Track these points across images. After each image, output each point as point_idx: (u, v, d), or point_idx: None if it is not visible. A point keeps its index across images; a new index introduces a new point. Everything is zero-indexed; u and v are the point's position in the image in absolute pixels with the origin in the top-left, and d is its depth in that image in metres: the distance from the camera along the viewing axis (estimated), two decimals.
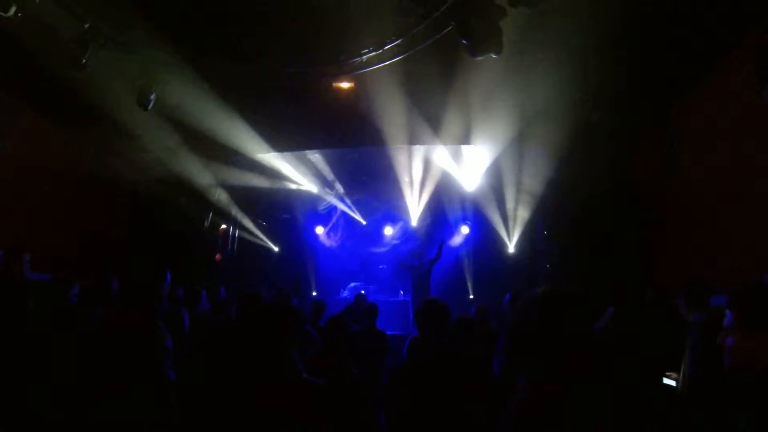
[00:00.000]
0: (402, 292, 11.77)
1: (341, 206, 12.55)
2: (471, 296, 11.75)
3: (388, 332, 6.13)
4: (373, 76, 6.60)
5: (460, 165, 11.00)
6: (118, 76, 6.42)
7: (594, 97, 6.49)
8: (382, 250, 12.74)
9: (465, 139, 9.36)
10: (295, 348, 2.29)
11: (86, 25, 5.45)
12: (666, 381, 3.57)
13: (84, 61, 5.41)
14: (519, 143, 8.93)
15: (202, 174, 9.98)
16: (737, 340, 1.70)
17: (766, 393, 1.61)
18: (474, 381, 2.72)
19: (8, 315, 3.49)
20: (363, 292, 9.94)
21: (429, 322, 2.92)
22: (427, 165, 11.20)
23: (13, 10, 4.73)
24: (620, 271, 8.16)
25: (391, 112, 7.87)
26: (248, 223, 11.77)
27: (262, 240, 12.09)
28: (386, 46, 5.91)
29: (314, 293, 12.10)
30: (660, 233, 8.16)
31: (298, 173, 11.44)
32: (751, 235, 5.57)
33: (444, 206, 12.04)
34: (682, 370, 3.26)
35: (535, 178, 9.54)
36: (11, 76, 6.35)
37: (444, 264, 12.12)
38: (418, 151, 10.73)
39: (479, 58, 4.82)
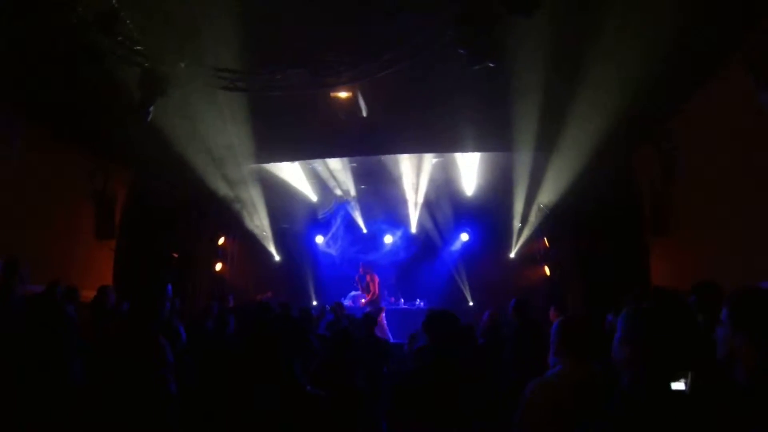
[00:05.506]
0: (402, 301, 11.75)
1: (342, 212, 12.58)
2: (470, 303, 11.74)
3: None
4: (371, 86, 6.64)
5: (460, 172, 11.04)
6: (118, 88, 6.43)
7: (596, 104, 6.52)
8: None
9: (466, 146, 9.39)
10: (299, 360, 2.28)
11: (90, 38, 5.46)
12: (675, 385, 3.53)
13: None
14: (520, 150, 8.96)
15: (202, 184, 9.97)
16: (726, 336, 1.89)
17: (749, 388, 1.76)
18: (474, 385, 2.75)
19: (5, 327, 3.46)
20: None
21: (438, 332, 2.91)
22: (427, 172, 11.23)
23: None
24: (622, 277, 8.15)
25: (391, 121, 7.90)
26: (249, 233, 11.74)
27: (263, 249, 12.07)
28: (384, 55, 5.94)
29: (314, 302, 12.08)
30: (662, 239, 8.17)
31: (298, 181, 11.47)
32: (753, 239, 5.57)
33: (444, 213, 12.05)
34: (690, 373, 3.22)
35: (537, 184, 9.56)
36: (15, 85, 6.36)
37: (442, 270, 12.13)
38: (418, 159, 10.77)
39: (477, 68, 4.85)
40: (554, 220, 10.07)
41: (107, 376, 2.53)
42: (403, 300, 11.76)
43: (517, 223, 10.97)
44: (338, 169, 11.24)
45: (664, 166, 7.57)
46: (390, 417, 2.97)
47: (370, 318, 5.75)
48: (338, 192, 12.14)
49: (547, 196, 9.66)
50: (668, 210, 7.86)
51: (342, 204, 12.44)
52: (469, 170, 10.89)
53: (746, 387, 1.78)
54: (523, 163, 9.50)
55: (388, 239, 12.70)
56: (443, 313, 3.05)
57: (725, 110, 6.02)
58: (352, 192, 12.09)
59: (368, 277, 10.78)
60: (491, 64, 4.83)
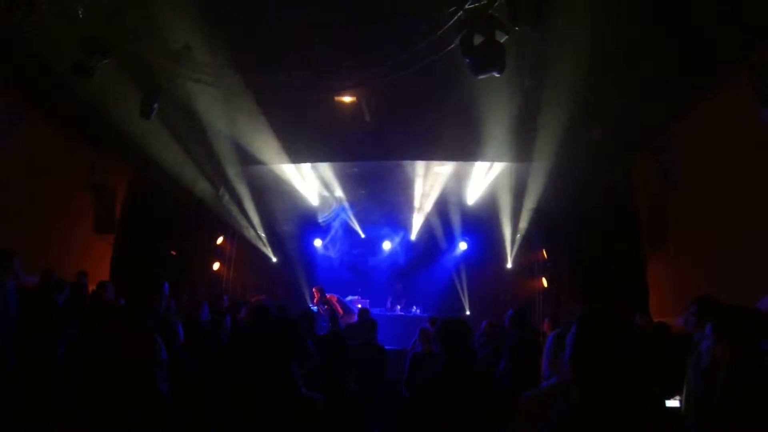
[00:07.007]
0: (399, 307, 11.73)
1: (342, 217, 12.56)
2: (468, 312, 11.70)
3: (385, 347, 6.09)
4: (375, 91, 6.65)
5: (460, 180, 11.04)
6: (121, 84, 6.44)
7: (595, 114, 6.55)
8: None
9: (466, 154, 9.40)
10: (296, 362, 2.28)
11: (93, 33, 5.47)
12: (670, 403, 3.52)
13: (91, 67, 5.41)
14: (520, 160, 8.97)
15: (202, 184, 9.97)
16: (711, 345, 2.13)
17: (731, 388, 2.01)
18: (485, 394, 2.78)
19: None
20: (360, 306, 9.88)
21: (452, 340, 2.94)
22: (427, 179, 11.24)
23: (18, 16, 4.76)
24: (619, 289, 8.12)
25: (393, 127, 7.91)
26: (247, 234, 11.73)
27: (261, 250, 12.05)
28: (388, 61, 5.96)
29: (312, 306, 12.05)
30: (660, 251, 8.15)
31: (298, 184, 11.47)
32: (751, 252, 5.57)
33: (443, 220, 12.05)
34: (685, 388, 3.22)
35: (535, 194, 9.56)
36: (16, 77, 6.36)
37: (440, 278, 12.11)
38: (419, 166, 10.77)
39: (482, 77, 4.85)
40: (552, 231, 10.06)
41: (97, 372, 2.52)
42: (399, 306, 11.73)
43: (515, 234, 10.95)
44: (337, 173, 11.24)
45: (662, 178, 7.58)
46: (404, 421, 3.01)
47: (371, 322, 5.70)
48: (337, 196, 12.13)
49: (545, 206, 9.66)
50: (666, 222, 7.84)
51: (341, 208, 12.43)
52: (472, 179, 10.89)
53: (725, 390, 2.03)
54: (522, 173, 9.51)
55: (387, 245, 12.69)
56: (456, 321, 3.08)
57: (724, 123, 6.03)
58: (351, 197, 12.08)
59: (325, 301, 9.54)
60: (496, 74, 4.83)
